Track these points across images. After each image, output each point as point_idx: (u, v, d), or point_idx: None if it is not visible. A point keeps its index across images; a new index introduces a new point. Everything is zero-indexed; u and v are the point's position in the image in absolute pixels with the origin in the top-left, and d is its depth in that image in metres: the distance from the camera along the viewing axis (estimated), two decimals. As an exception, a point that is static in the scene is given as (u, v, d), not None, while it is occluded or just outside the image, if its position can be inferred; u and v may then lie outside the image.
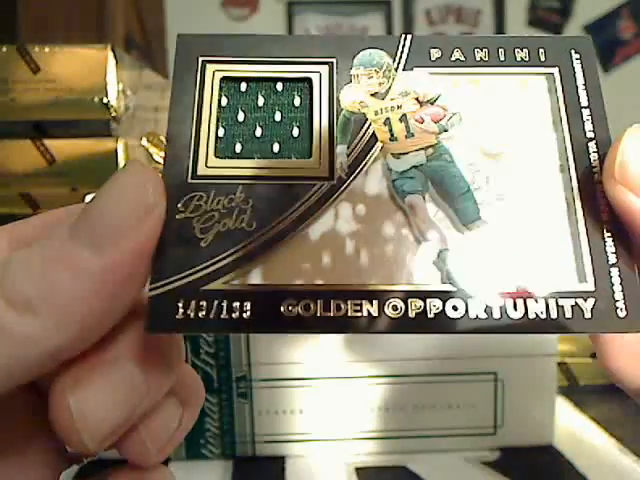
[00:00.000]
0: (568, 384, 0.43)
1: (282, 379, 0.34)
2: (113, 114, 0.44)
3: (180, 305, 0.15)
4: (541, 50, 0.19)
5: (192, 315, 0.15)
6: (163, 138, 0.44)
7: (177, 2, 1.98)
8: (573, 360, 0.43)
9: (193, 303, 0.15)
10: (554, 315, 0.16)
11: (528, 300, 0.16)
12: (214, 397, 0.34)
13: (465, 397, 0.34)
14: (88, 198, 0.32)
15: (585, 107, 0.18)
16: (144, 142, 0.44)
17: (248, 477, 0.33)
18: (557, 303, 0.16)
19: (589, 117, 0.18)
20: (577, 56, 0.19)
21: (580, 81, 0.18)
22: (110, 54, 0.44)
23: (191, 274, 0.16)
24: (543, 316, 0.16)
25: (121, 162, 0.44)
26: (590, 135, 0.18)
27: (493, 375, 0.34)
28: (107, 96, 0.43)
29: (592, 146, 0.18)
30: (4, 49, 0.44)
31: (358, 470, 0.33)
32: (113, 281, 0.14)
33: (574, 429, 0.38)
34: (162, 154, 0.44)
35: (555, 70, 0.19)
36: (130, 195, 0.15)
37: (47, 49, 0.44)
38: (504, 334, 0.16)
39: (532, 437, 0.35)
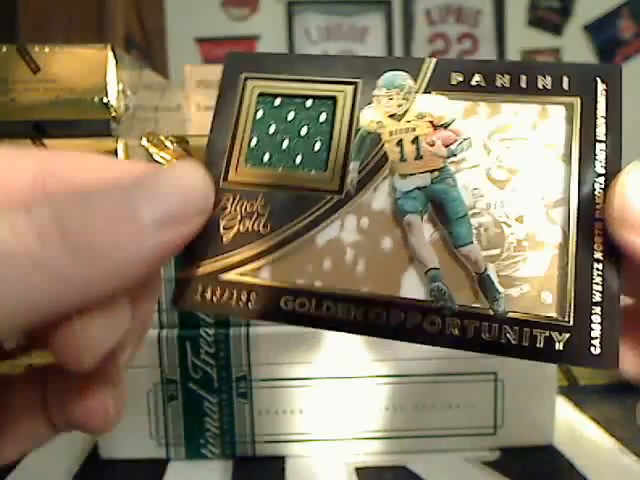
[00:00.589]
0: (568, 384, 0.43)
1: (282, 379, 0.34)
2: (113, 114, 0.44)
3: (200, 289, 0.18)
4: (565, 78, 0.18)
5: (208, 298, 0.18)
6: (163, 138, 0.44)
7: (177, 2, 1.98)
8: (573, 360, 0.43)
9: (210, 288, 0.18)
10: (525, 343, 0.17)
11: (503, 326, 0.17)
12: (214, 397, 0.34)
13: (465, 397, 0.34)
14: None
15: (601, 141, 0.18)
16: (144, 142, 0.44)
17: (248, 477, 0.33)
18: (531, 333, 0.17)
19: (603, 151, 0.17)
20: (603, 86, 0.18)
21: (601, 113, 0.18)
22: (110, 54, 0.44)
23: (211, 263, 0.19)
24: (514, 342, 0.17)
25: (121, 162, 0.44)
26: (600, 170, 0.17)
27: (493, 375, 0.34)
28: (107, 96, 0.43)
29: (600, 181, 0.17)
30: (4, 49, 0.44)
31: (358, 470, 0.33)
32: (159, 256, 0.16)
33: (574, 429, 0.38)
34: (162, 154, 0.44)
35: (576, 100, 0.18)
36: (198, 188, 0.17)
37: (47, 49, 0.44)
38: (475, 353, 0.17)
39: (532, 437, 0.35)
